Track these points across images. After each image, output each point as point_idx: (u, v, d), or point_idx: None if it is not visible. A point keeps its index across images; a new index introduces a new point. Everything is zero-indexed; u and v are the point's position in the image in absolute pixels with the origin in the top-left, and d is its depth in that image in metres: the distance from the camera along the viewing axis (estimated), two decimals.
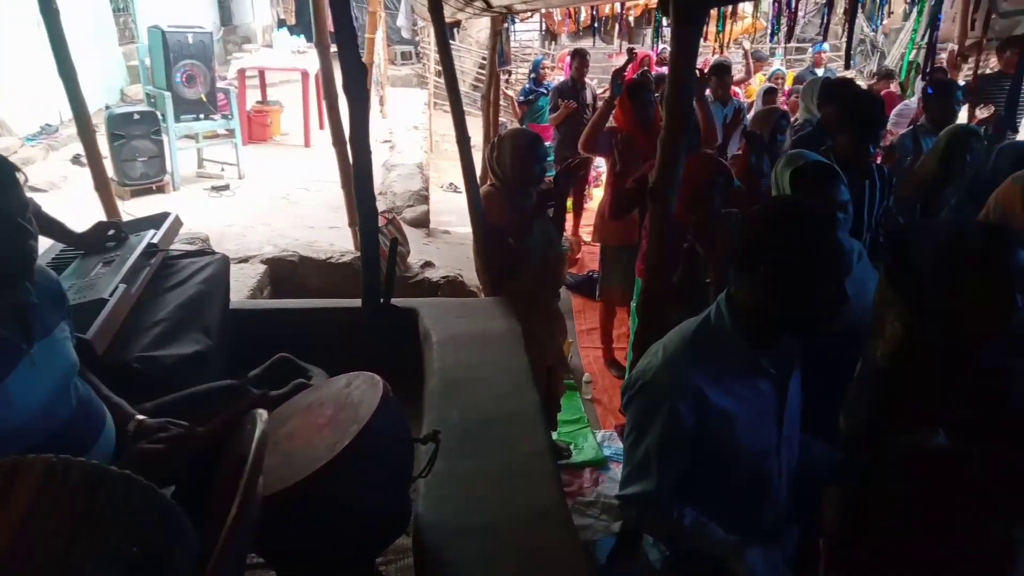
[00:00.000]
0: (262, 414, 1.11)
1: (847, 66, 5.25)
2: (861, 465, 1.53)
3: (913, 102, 5.85)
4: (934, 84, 4.59)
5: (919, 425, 1.45)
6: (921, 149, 4.17)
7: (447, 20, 5.88)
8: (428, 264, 4.67)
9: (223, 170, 6.66)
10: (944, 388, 1.54)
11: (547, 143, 6.72)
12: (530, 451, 1.88)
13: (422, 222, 5.87)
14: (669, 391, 1.41)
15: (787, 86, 7.95)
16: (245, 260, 4.28)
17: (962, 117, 4.46)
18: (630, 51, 6.74)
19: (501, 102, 6.78)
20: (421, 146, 8.51)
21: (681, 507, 1.47)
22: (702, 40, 8.68)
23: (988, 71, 6.06)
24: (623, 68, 4.14)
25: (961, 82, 5.63)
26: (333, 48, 2.87)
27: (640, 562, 1.73)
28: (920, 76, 6.40)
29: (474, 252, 3.00)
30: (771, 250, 1.37)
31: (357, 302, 2.60)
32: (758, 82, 8.24)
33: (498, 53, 6.08)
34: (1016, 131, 4.17)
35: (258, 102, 8.52)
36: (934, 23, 4.09)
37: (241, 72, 8.34)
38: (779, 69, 8.78)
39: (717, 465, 1.47)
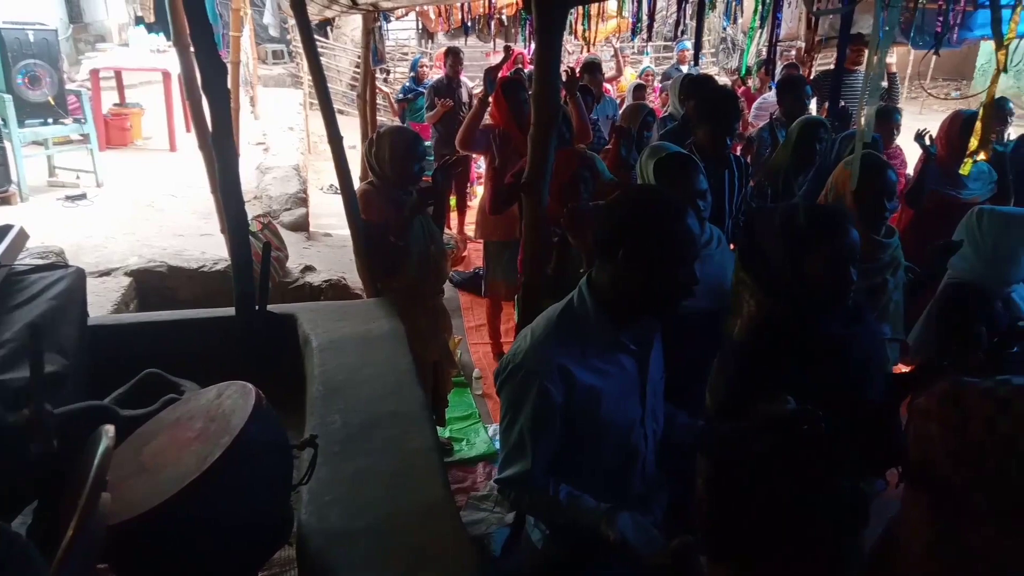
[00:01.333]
0: (108, 430, 1.06)
1: (696, 62, 5.54)
2: (722, 432, 1.63)
3: (771, 96, 6.27)
4: (783, 80, 4.94)
5: (773, 393, 1.56)
6: (777, 140, 4.49)
7: (315, 18, 5.75)
8: (309, 268, 4.55)
9: (78, 178, 6.19)
10: (795, 358, 1.67)
11: (427, 142, 6.71)
12: (416, 448, 1.88)
13: (301, 225, 5.70)
14: (538, 371, 1.46)
15: (657, 83, 8.34)
16: (107, 273, 4.01)
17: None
18: (506, 48, 6.83)
19: (379, 101, 6.69)
20: (297, 147, 8.26)
21: (556, 483, 1.53)
22: (574, 39, 8.87)
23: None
24: (497, 66, 4.20)
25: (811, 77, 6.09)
26: None
27: (524, 545, 1.77)
28: (765, 72, 6.88)
29: (355, 252, 2.95)
30: (628, 234, 1.44)
31: (231, 311, 2.50)
32: (629, 79, 8.57)
33: (372, 52, 6.00)
34: (846, 122, 4.56)
35: (116, 105, 7.98)
36: (774, 22, 4.39)
37: (94, 73, 7.77)
38: (648, 67, 9.18)
39: (587, 439, 1.54)
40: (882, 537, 1.30)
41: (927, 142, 3.94)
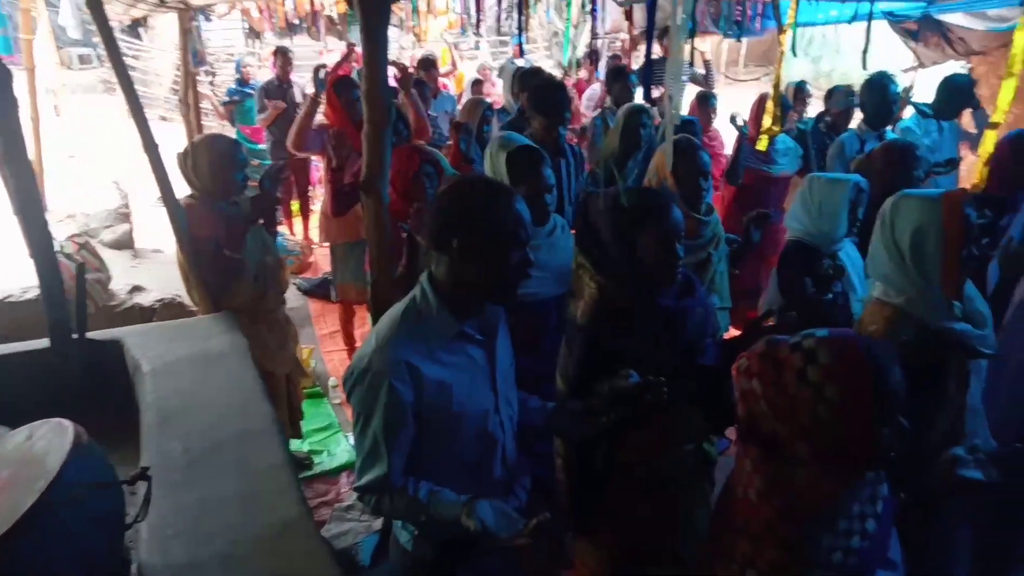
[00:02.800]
0: None
1: (520, 54, 5.69)
2: (571, 410, 1.68)
3: (599, 87, 6.56)
4: (610, 70, 5.18)
5: (616, 369, 1.63)
6: (610, 128, 4.70)
7: (121, 17, 5.30)
8: (137, 288, 4.20)
9: None
10: (634, 333, 1.75)
11: (261, 145, 6.39)
12: (267, 467, 1.80)
13: (125, 243, 5.23)
14: (385, 372, 1.43)
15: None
16: None
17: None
18: (350, 46, 6.64)
19: (202, 105, 6.29)
20: (117, 159, 7.58)
21: (416, 482, 1.51)
22: (407, 35, 8.75)
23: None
24: (338, 65, 4.07)
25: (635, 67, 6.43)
26: None
27: (392, 549, 1.75)
28: (590, 63, 7.20)
29: (180, 270, 2.76)
30: (460, 224, 1.45)
31: (45, 342, 2.26)
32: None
33: (192, 53, 5.63)
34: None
35: None
36: (594, 16, 4.61)
37: None
38: (485, 61, 9.30)
39: (443, 433, 1.53)
40: (722, 492, 1.40)
41: (739, 123, 4.28)
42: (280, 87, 6.09)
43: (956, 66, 6.10)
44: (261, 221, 2.84)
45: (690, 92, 5.76)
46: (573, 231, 2.53)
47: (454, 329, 1.52)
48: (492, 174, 2.45)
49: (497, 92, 7.77)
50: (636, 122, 3.87)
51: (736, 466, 1.31)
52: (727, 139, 4.85)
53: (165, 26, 11.43)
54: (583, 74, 7.89)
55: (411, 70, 5.50)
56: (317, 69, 4.17)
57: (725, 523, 1.31)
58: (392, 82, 4.17)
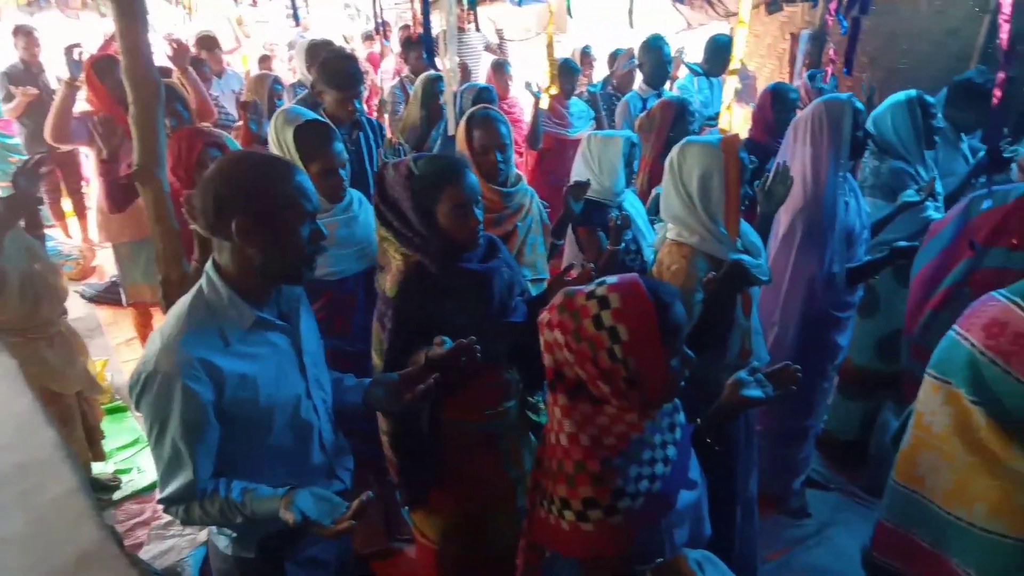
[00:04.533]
0: None
1: (296, 22, 5.49)
2: (388, 385, 1.65)
3: (394, 58, 6.45)
4: (404, 40, 5.12)
5: (429, 337, 1.63)
6: (409, 97, 4.66)
7: None
8: None
9: None
10: (444, 300, 1.76)
11: (13, 138, 5.62)
12: (56, 496, 1.60)
13: None
14: (176, 372, 1.33)
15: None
16: None
17: None
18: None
19: None
20: None
21: (227, 483, 1.43)
22: (183, 10, 8.06)
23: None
24: (79, 44, 3.62)
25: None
26: None
27: (213, 556, 1.65)
28: (378, 34, 7.09)
29: None
30: (235, 204, 1.36)
31: None
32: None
33: None
34: (466, 76, 4.94)
35: None
36: None
37: None
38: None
39: (253, 427, 1.46)
40: (540, 442, 1.46)
41: (534, 89, 4.41)
42: (28, 71, 5.35)
43: (720, 27, 6.70)
44: (22, 224, 2.50)
45: (486, 60, 5.85)
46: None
47: (250, 318, 1.43)
48: (280, 152, 2.30)
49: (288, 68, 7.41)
50: (434, 90, 3.87)
51: (548, 414, 1.37)
52: (526, 106, 4.98)
53: None
54: (376, 46, 7.72)
55: (193, 50, 5.08)
56: (70, 48, 3.71)
57: (543, 470, 1.37)
58: (166, 60, 3.83)
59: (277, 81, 4.25)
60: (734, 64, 3.61)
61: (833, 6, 3.89)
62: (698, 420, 1.55)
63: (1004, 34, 2.59)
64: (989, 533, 1.40)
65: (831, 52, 4.61)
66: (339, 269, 2.26)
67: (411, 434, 1.85)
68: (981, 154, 3.20)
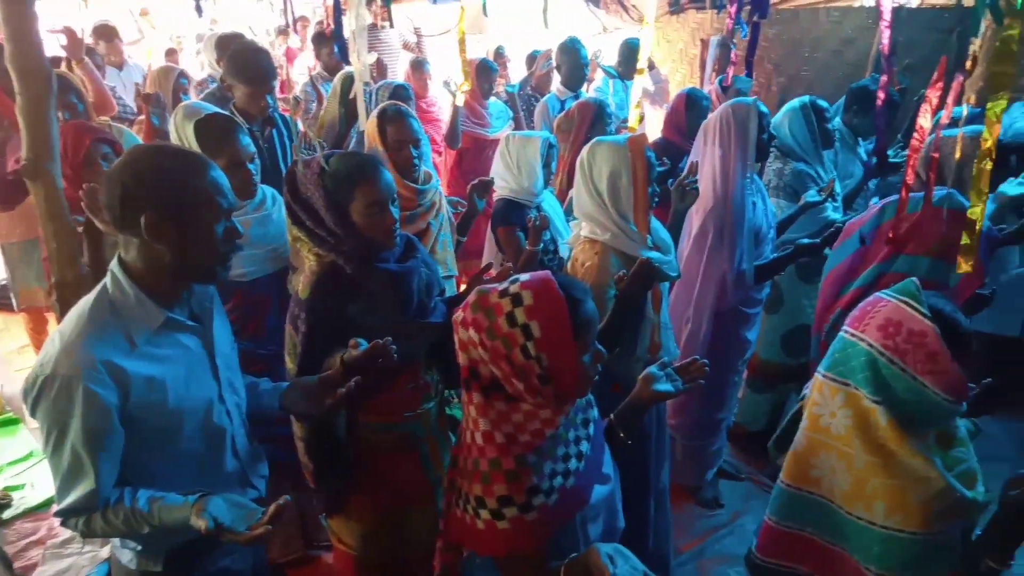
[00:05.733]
0: None
1: (199, 14, 5.31)
2: (303, 388, 1.61)
3: (310, 54, 6.29)
4: (315, 36, 5.02)
5: (344, 339, 1.59)
6: (321, 94, 4.55)
7: None
8: None
9: None
10: (360, 301, 1.72)
11: None
12: None
13: None
14: (76, 375, 1.25)
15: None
16: None
17: None
18: None
19: None
20: None
21: (132, 491, 1.35)
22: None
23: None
24: None
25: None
26: None
27: (115, 571, 1.56)
28: (295, 31, 6.95)
29: None
30: (146, 198, 1.30)
31: None
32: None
33: None
34: (383, 73, 4.89)
35: None
36: None
37: None
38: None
39: (163, 432, 1.39)
40: (455, 441, 1.44)
41: (452, 88, 4.39)
42: None
43: (634, 31, 6.86)
44: None
45: (405, 58, 5.78)
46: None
47: (159, 318, 1.37)
48: (180, 142, 2.21)
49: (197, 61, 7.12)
50: (351, 88, 3.78)
51: (463, 413, 1.36)
52: (445, 104, 4.95)
53: None
54: (293, 42, 7.52)
55: (90, 40, 4.81)
56: None
57: (458, 469, 1.36)
58: (59, 49, 3.61)
59: (183, 75, 4.07)
60: (642, 63, 3.72)
61: (733, 10, 4.05)
62: (611, 415, 1.58)
63: (885, 39, 2.77)
64: (888, 529, 1.44)
65: (734, 56, 4.81)
66: (251, 270, 2.19)
67: (328, 439, 1.80)
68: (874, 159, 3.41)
